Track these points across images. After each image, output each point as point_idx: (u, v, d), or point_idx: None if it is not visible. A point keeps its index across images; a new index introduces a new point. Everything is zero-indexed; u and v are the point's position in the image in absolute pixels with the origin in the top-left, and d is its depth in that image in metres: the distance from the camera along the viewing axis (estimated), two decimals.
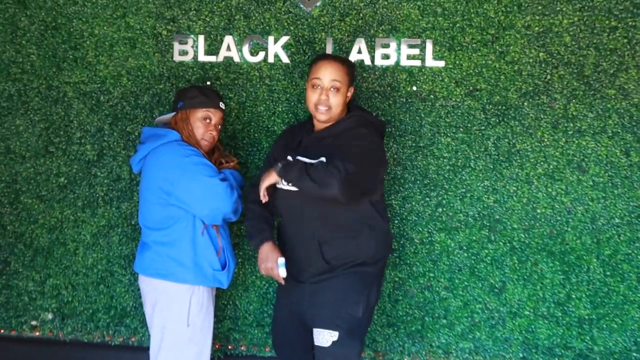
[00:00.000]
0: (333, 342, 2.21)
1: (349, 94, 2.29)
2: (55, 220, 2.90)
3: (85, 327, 2.93)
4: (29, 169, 2.91)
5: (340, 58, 2.36)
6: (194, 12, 2.79)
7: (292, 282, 2.35)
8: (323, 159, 2.16)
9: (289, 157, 2.21)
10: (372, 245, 2.29)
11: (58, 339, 2.96)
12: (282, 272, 2.22)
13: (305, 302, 2.33)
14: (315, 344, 2.25)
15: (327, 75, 2.21)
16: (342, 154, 2.13)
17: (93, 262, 2.89)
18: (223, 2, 2.77)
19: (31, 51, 2.87)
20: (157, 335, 2.29)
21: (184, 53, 2.80)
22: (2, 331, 2.98)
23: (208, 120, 2.31)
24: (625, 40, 2.65)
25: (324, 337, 2.23)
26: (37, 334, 2.97)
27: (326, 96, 2.21)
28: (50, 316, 2.96)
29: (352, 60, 2.66)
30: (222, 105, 2.36)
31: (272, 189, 2.28)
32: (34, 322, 2.97)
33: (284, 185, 2.21)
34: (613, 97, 2.67)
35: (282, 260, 2.23)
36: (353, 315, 2.25)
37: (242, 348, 2.86)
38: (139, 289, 2.75)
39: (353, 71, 2.33)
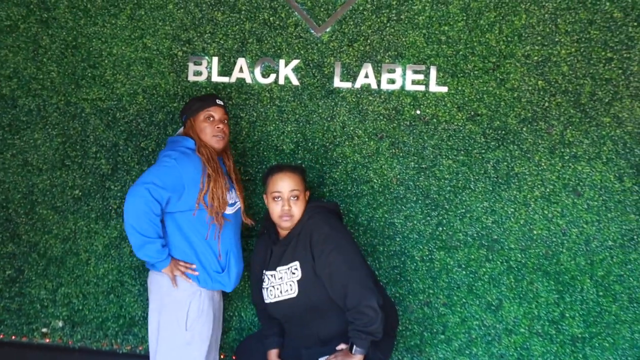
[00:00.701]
0: None
1: (306, 196, 2.39)
2: (69, 231, 2.96)
3: (95, 335, 2.97)
4: (45, 181, 2.97)
5: (292, 167, 2.43)
6: (209, 34, 2.87)
7: (291, 350, 2.45)
8: (297, 269, 2.27)
9: (267, 274, 2.35)
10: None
11: (68, 346, 2.99)
12: None
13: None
14: None
15: (286, 187, 2.31)
16: (337, 277, 2.20)
17: (104, 272, 2.94)
18: (237, 26, 2.85)
19: (51, 68, 2.95)
20: (154, 337, 2.35)
21: (198, 74, 2.88)
22: (13, 337, 3.01)
23: (211, 119, 2.39)
24: (620, 71, 2.72)
25: None
26: (48, 340, 3.01)
27: (289, 206, 2.31)
28: (60, 324, 3.00)
29: (352, 86, 2.79)
30: (219, 101, 2.43)
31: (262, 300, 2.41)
32: (44, 329, 3.01)
33: (271, 299, 2.33)
34: (608, 124, 2.73)
35: None
36: None
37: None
38: (147, 299, 2.81)
39: (305, 175, 2.44)
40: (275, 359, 2.44)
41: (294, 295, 2.28)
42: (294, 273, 2.31)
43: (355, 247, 2.29)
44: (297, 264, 2.30)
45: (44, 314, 3.00)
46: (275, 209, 2.33)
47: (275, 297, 2.34)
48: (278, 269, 2.35)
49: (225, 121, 2.44)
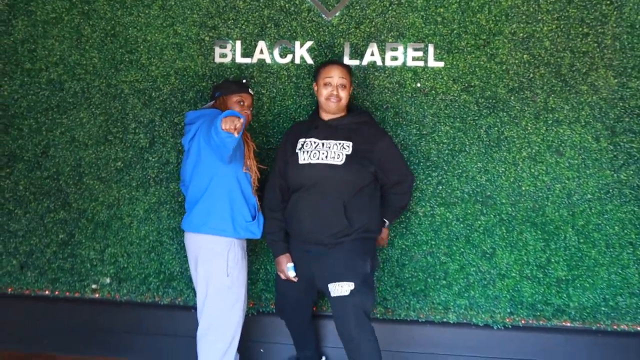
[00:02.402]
0: (351, 290, 2.45)
1: (350, 91, 2.66)
2: (113, 198, 3.20)
3: (138, 290, 3.22)
4: (91, 155, 3.20)
5: (343, 63, 2.74)
6: (232, 21, 3.09)
7: (298, 252, 2.65)
8: (349, 147, 2.55)
9: (310, 140, 2.59)
10: (377, 217, 2.65)
11: (115, 300, 3.24)
12: (292, 273, 2.67)
13: (313, 266, 2.61)
14: (333, 295, 2.49)
15: (336, 74, 2.60)
16: (394, 165, 2.65)
17: (145, 233, 3.19)
18: (257, 13, 3.07)
19: (93, 55, 3.17)
20: (203, 286, 2.60)
21: (223, 56, 3.11)
22: (67, 293, 3.27)
23: (242, 103, 2.66)
24: (596, 45, 2.92)
25: (343, 288, 2.47)
26: (97, 295, 3.25)
27: (336, 91, 2.59)
28: (108, 280, 3.24)
29: (360, 64, 3.02)
30: (250, 91, 2.73)
31: (286, 166, 2.61)
32: (94, 286, 3.25)
33: (311, 160, 2.54)
34: (585, 92, 2.94)
35: (291, 264, 2.68)
36: (363, 270, 2.53)
37: (272, 306, 3.15)
38: (184, 256, 3.10)
39: (352, 73, 2.70)
40: (287, 262, 2.67)
41: (340, 163, 2.53)
42: (344, 148, 2.56)
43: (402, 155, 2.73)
44: (350, 143, 2.57)
45: (94, 272, 3.25)
46: (324, 92, 2.59)
47: (317, 159, 2.55)
48: (327, 141, 2.58)
49: (251, 108, 2.72)
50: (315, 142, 2.59)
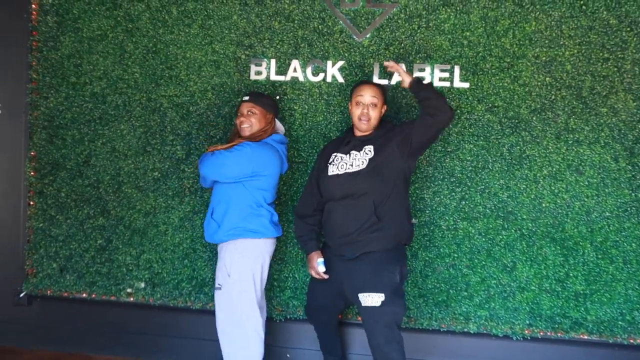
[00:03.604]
0: (382, 301, 2.52)
1: (383, 111, 2.77)
2: (150, 207, 3.33)
3: (172, 294, 3.34)
4: (129, 165, 3.33)
5: (376, 83, 2.84)
6: (268, 40, 3.22)
7: (331, 258, 2.75)
8: (371, 151, 2.67)
9: (340, 154, 2.73)
10: (407, 226, 2.72)
11: (149, 304, 3.36)
12: (322, 268, 2.76)
13: (344, 275, 2.68)
14: (363, 305, 2.55)
15: (368, 94, 2.71)
16: (411, 124, 2.66)
17: (179, 241, 3.31)
18: (291, 33, 3.20)
19: (135, 70, 3.31)
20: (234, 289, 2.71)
21: (258, 73, 3.23)
22: (103, 297, 3.40)
23: (239, 113, 2.80)
24: (615, 69, 3.01)
25: (373, 299, 2.53)
26: (132, 299, 3.38)
27: (367, 110, 2.70)
28: (142, 285, 3.36)
29: (388, 83, 3.13)
30: (245, 97, 2.81)
31: (319, 177, 2.78)
32: (129, 290, 3.37)
33: (338, 171, 2.68)
34: (605, 114, 3.02)
35: (321, 260, 2.77)
36: (393, 280, 2.59)
37: (299, 312, 3.26)
38: (216, 263, 3.17)
39: (385, 93, 2.79)
40: (317, 257, 2.77)
41: (364, 167, 2.65)
42: (367, 153, 2.69)
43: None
44: (371, 147, 2.68)
45: (129, 277, 3.38)
46: (356, 112, 2.71)
47: (344, 169, 2.69)
48: (353, 151, 2.71)
49: (250, 113, 2.77)
50: (343, 156, 2.74)
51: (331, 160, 2.78)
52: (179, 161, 3.33)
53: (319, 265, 2.76)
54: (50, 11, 3.38)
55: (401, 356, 2.56)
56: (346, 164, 2.71)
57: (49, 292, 3.48)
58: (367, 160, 2.66)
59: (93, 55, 3.36)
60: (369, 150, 2.69)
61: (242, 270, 2.70)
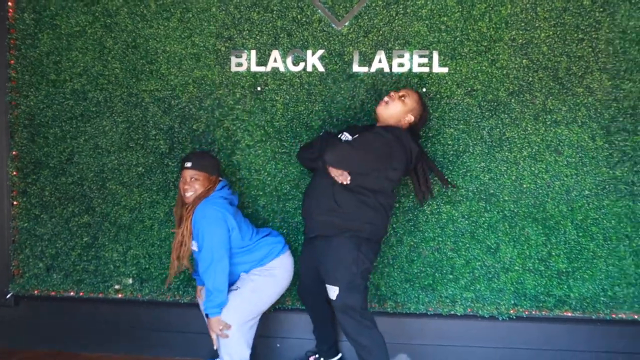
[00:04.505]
0: (337, 295, 2.62)
1: (408, 117, 2.79)
2: (135, 202, 3.33)
3: (160, 289, 3.34)
4: (113, 161, 3.32)
5: (413, 90, 2.92)
6: (247, 32, 3.23)
7: (306, 243, 2.87)
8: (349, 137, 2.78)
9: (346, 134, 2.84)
10: (379, 225, 2.71)
11: (137, 299, 3.35)
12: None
13: (316, 259, 2.76)
14: (329, 296, 2.69)
15: (402, 89, 2.86)
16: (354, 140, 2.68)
17: (166, 235, 3.31)
18: (270, 24, 3.21)
19: (115, 66, 3.30)
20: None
21: (239, 65, 3.24)
22: (91, 294, 3.39)
23: (182, 179, 2.83)
24: (590, 49, 3.07)
25: (330, 291, 2.66)
26: (120, 295, 3.37)
27: (391, 99, 2.79)
28: (130, 281, 3.36)
29: (368, 71, 3.17)
30: (186, 164, 2.82)
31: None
32: (117, 286, 3.37)
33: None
34: (581, 94, 3.08)
35: None
36: (349, 271, 2.63)
37: (288, 302, 3.28)
38: None
39: (418, 101, 2.82)
40: None
41: (350, 139, 2.78)
42: (347, 138, 2.80)
43: (371, 150, 2.64)
44: (350, 136, 2.80)
45: (117, 273, 3.37)
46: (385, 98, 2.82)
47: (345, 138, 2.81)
48: (344, 133, 2.85)
49: (192, 180, 2.80)
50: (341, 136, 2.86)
51: (342, 136, 2.87)
52: (162, 156, 3.33)
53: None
54: (27, 8, 3.35)
55: (370, 340, 2.63)
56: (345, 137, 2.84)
57: (36, 292, 3.46)
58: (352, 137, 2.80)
59: (72, 52, 3.34)
60: (348, 137, 2.80)
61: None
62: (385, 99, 2.79)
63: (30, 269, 3.45)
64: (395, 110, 2.78)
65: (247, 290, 2.81)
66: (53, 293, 3.45)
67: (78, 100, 3.36)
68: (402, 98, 2.79)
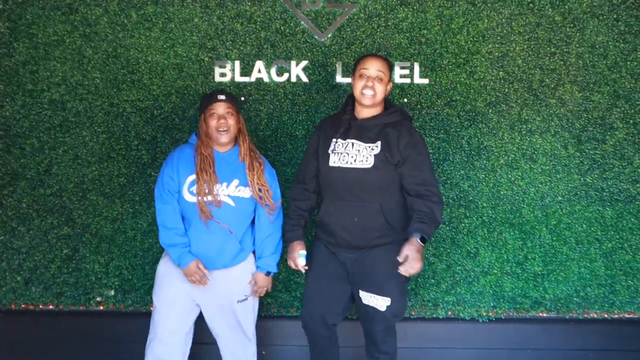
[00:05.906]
0: (387, 306, 2.46)
1: (388, 88, 2.52)
2: (117, 213, 3.28)
3: (143, 300, 3.31)
4: (94, 172, 3.27)
5: (382, 56, 2.65)
6: (230, 42, 3.23)
7: (325, 251, 2.57)
8: (377, 147, 2.44)
9: (341, 141, 2.48)
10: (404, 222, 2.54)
11: (120, 311, 3.31)
12: (302, 261, 2.57)
13: (351, 265, 2.51)
14: (366, 303, 2.49)
15: (373, 66, 2.45)
16: (418, 167, 2.43)
17: (149, 245, 3.29)
18: (254, 35, 3.22)
19: (95, 75, 3.24)
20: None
21: (223, 75, 3.24)
22: (72, 307, 3.33)
23: (215, 114, 2.49)
24: (562, 62, 3.19)
25: (378, 302, 2.46)
26: (102, 307, 3.32)
27: (372, 83, 2.44)
28: (112, 292, 3.32)
29: (347, 81, 3.15)
30: (220, 97, 2.50)
31: (318, 161, 2.54)
32: (99, 298, 3.31)
33: (341, 164, 2.45)
34: (554, 105, 3.20)
35: (303, 252, 2.58)
36: (401, 280, 2.47)
37: (273, 310, 3.30)
38: None
39: (392, 68, 2.59)
40: (300, 249, 2.56)
41: (369, 166, 2.43)
42: (373, 149, 2.45)
43: (431, 164, 2.51)
44: (379, 144, 2.44)
45: (98, 285, 3.32)
46: (359, 84, 2.45)
47: (347, 163, 2.45)
48: (357, 142, 2.46)
49: (229, 114, 2.49)
50: (345, 144, 2.50)
51: (333, 147, 2.53)
52: (145, 166, 3.30)
53: (299, 257, 2.57)
54: (2, 17, 3.26)
55: (393, 347, 2.63)
56: (348, 155, 2.48)
57: (13, 306, 3.37)
58: (373, 158, 2.45)
59: (50, 62, 3.27)
60: (375, 147, 2.46)
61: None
62: (367, 93, 2.46)
63: (7, 283, 3.36)
64: (381, 93, 2.50)
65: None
66: (32, 307, 3.37)
67: (56, 110, 3.29)
68: (380, 79, 2.48)
